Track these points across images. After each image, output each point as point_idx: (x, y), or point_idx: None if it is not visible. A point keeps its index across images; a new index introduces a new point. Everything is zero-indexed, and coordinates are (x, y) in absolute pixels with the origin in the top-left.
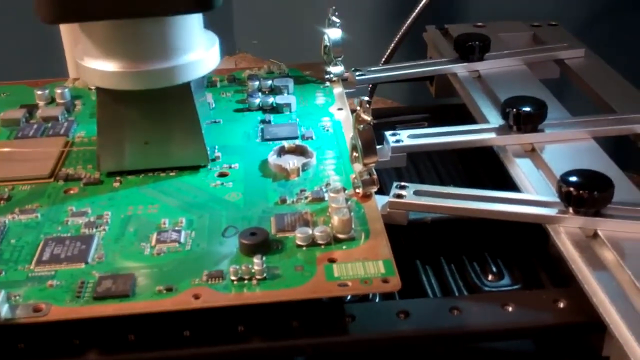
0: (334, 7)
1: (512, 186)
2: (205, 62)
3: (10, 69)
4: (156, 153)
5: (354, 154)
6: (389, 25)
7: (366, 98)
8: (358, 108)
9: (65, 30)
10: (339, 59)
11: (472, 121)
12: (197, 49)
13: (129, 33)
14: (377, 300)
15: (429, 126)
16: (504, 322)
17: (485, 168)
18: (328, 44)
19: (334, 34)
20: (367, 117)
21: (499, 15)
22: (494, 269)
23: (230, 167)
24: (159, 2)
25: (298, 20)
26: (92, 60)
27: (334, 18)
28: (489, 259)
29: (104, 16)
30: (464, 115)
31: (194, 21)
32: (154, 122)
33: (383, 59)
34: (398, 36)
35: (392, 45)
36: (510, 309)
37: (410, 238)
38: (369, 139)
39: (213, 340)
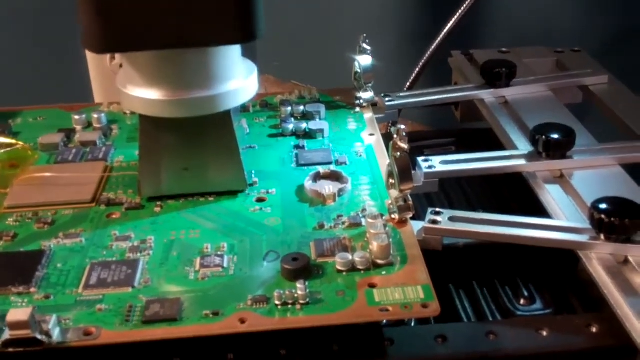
0: (364, 35)
1: (540, 210)
2: (245, 90)
3: (36, 93)
4: (196, 179)
5: (390, 180)
6: (410, 51)
7: (403, 126)
8: (395, 136)
9: (91, 57)
10: (370, 85)
11: (499, 146)
12: (237, 78)
13: (173, 62)
14: (412, 324)
15: (456, 150)
16: (539, 346)
17: (513, 192)
18: (359, 70)
19: (364, 60)
20: (404, 145)
21: (521, 41)
22: (526, 294)
23: (267, 192)
24: (206, 33)
25: (318, 42)
26: (136, 88)
27: (364, 45)
28: (521, 284)
29: (151, 46)
30: (490, 140)
31: (235, 51)
32: (193, 149)
33: (407, 84)
34: (422, 61)
35: (417, 70)
36: (544, 333)
37: (443, 263)
38: (406, 166)
39: None
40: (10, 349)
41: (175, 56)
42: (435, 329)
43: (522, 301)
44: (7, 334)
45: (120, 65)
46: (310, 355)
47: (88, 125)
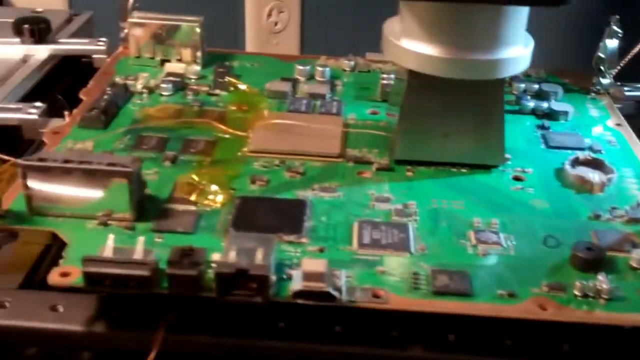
0: (617, 16)
1: None
2: (524, 59)
3: None
4: (452, 147)
5: None
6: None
7: None
8: None
9: (250, 8)
10: (612, 71)
11: None
12: (519, 45)
13: (463, 19)
14: None
15: None
16: None
17: None
18: (603, 54)
19: (611, 44)
20: None
21: None
22: None
23: (523, 172)
24: None
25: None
26: (413, 42)
27: (615, 28)
28: None
29: None
30: None
31: (524, 16)
32: (457, 115)
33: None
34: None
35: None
36: None
37: None
38: None
39: (535, 354)
40: (300, 301)
41: (467, 12)
42: None
43: None
44: (300, 285)
45: (276, 24)
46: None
47: (310, 77)
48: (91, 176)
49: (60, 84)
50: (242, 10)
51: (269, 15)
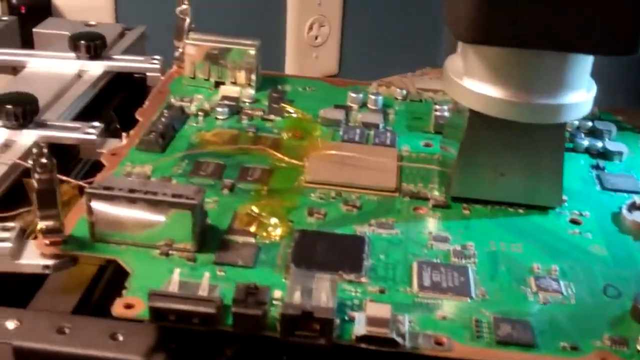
0: None
1: None
2: (587, 104)
3: None
4: (509, 186)
5: None
6: None
7: None
8: None
9: (291, 28)
10: None
11: None
12: (582, 90)
13: (529, 63)
14: None
15: None
16: None
17: None
18: None
19: None
20: None
21: None
22: None
23: (581, 215)
24: (589, 40)
25: None
26: (476, 83)
27: None
28: None
29: (529, 45)
30: None
31: (590, 62)
32: (516, 155)
33: None
34: None
35: None
36: None
37: None
38: None
39: None
40: (363, 345)
41: (536, 57)
42: None
43: None
44: (364, 329)
45: (316, 37)
46: None
47: (362, 104)
48: (156, 206)
49: (113, 100)
50: (284, 23)
51: (310, 29)
